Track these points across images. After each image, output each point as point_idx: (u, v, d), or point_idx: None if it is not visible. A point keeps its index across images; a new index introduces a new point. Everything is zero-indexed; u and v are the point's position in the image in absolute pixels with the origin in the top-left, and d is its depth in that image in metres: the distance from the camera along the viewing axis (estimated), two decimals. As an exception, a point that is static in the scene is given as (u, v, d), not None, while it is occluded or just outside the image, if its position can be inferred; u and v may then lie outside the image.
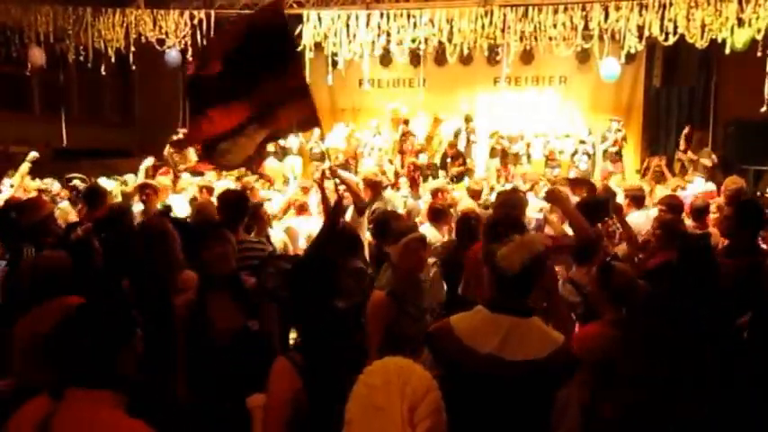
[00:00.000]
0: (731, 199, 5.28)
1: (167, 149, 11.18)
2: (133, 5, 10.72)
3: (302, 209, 6.86)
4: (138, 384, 1.82)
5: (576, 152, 11.75)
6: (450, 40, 10.19)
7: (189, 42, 10.66)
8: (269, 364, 2.14)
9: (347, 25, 10.34)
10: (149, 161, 8.16)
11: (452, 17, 10.04)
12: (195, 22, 10.61)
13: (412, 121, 12.37)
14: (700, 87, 12.08)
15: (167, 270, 3.08)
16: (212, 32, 10.66)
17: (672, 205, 4.89)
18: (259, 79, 4.06)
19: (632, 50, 9.78)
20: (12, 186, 6.94)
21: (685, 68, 11.60)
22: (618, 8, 9.45)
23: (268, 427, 2.05)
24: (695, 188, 5.77)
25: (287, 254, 5.09)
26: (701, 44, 9.19)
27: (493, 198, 6.62)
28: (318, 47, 10.74)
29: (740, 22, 8.82)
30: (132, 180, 7.97)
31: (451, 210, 6.08)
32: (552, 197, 3.96)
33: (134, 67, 11.07)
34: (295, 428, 2.02)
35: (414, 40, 10.36)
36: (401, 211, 6.66)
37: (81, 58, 10.66)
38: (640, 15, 9.29)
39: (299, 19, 10.53)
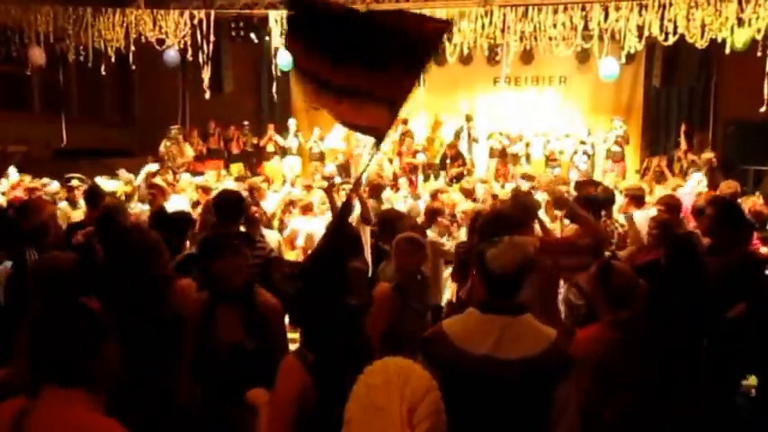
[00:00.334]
0: (712, 199, 5.29)
1: (163, 145, 11.21)
2: (133, 5, 10.72)
3: (307, 209, 6.87)
4: (124, 384, 1.83)
5: (575, 152, 11.75)
6: (450, 40, 10.18)
7: (189, 42, 10.67)
8: (264, 381, 2.12)
9: (347, 25, 10.31)
10: (152, 167, 8.16)
11: (452, 17, 10.04)
12: (195, 22, 10.61)
13: (412, 122, 12.37)
14: (700, 87, 12.07)
15: (155, 285, 3.01)
16: (212, 32, 10.69)
17: (670, 205, 4.89)
18: (373, 65, 3.85)
19: (632, 50, 9.78)
20: (3, 194, 6.91)
21: (685, 68, 11.57)
22: (618, 8, 9.45)
23: (274, 424, 2.04)
24: (692, 183, 5.76)
25: (282, 256, 5.12)
26: (700, 44, 9.19)
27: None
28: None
29: (740, 22, 8.82)
30: (133, 180, 7.99)
31: (447, 211, 6.11)
32: (561, 203, 3.96)
33: (134, 67, 11.08)
34: (301, 426, 2.01)
35: (414, 40, 10.34)
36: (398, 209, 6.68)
37: (81, 57, 10.67)
38: (640, 15, 9.29)
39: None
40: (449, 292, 5.29)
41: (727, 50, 9.18)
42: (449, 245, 5.24)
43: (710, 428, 3.62)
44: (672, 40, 9.23)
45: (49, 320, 1.75)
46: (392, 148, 12.28)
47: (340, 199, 5.37)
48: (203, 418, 2.81)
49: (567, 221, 4.87)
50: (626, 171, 11.66)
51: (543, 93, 13.06)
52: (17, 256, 3.79)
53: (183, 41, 10.68)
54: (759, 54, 8.85)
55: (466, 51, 10.48)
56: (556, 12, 9.72)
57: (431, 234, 5.20)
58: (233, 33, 11.75)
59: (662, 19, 9.14)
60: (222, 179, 9.70)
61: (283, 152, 12.61)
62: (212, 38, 10.74)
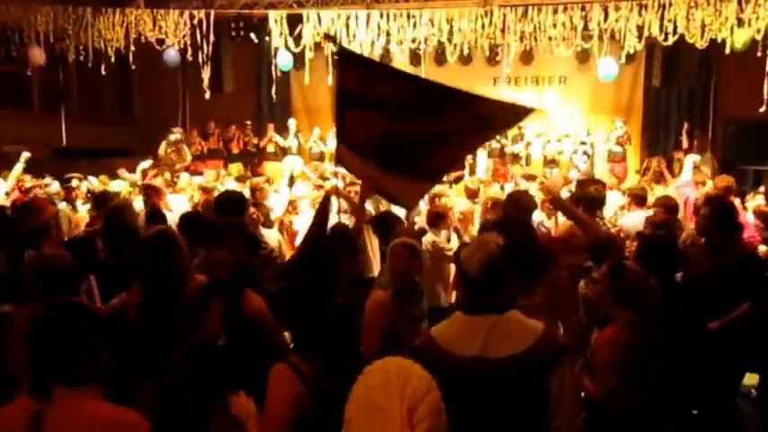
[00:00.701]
0: (708, 199, 5.28)
1: (164, 148, 11.20)
2: (133, 5, 10.72)
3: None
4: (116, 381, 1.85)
5: (575, 152, 11.75)
6: (450, 40, 10.19)
7: (189, 42, 10.67)
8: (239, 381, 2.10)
9: (347, 25, 10.33)
10: (147, 163, 8.16)
11: (452, 17, 10.04)
12: (195, 21, 10.61)
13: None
14: (700, 87, 12.07)
15: (177, 281, 3.01)
16: (212, 32, 10.69)
17: (668, 206, 4.90)
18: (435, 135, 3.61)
19: (632, 50, 9.79)
20: (6, 194, 6.90)
21: (685, 68, 11.58)
22: (617, 8, 9.45)
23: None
24: (688, 169, 5.74)
25: (284, 257, 5.10)
26: (700, 44, 9.19)
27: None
28: (318, 47, 10.74)
29: (740, 22, 8.82)
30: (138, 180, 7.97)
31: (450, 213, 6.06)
32: (555, 204, 3.96)
33: (134, 67, 11.08)
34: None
35: (414, 41, 10.36)
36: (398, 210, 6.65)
37: (81, 57, 10.66)
38: (640, 15, 9.29)
39: (299, 19, 10.53)
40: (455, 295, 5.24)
41: (727, 50, 9.18)
42: (455, 248, 5.15)
43: (711, 428, 3.63)
44: (672, 40, 9.23)
45: (55, 322, 1.75)
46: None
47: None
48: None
49: (561, 219, 4.87)
50: (627, 171, 11.65)
51: (543, 93, 13.05)
52: (15, 256, 3.79)
53: (182, 41, 10.68)
54: (759, 54, 8.85)
55: (466, 51, 10.48)
56: (556, 12, 9.72)
57: (434, 238, 5.15)
58: (233, 33, 11.75)
59: (662, 19, 9.14)
60: (222, 179, 9.70)
61: (283, 152, 12.60)
62: (212, 38, 10.73)
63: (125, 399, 1.92)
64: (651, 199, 5.86)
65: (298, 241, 6.65)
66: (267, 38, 11.18)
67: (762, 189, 8.08)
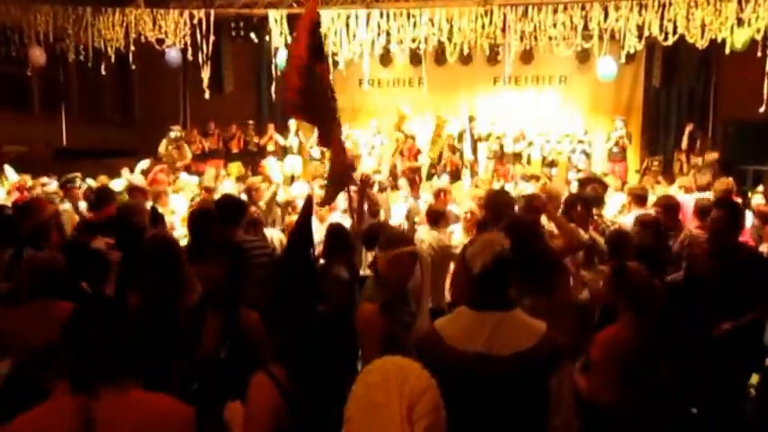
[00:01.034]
0: (719, 201, 5.28)
1: (164, 147, 11.20)
2: (133, 5, 10.72)
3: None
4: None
5: (573, 151, 11.74)
6: (450, 40, 10.19)
7: (189, 42, 10.67)
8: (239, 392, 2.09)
9: (347, 25, 10.34)
10: (145, 163, 8.16)
11: (452, 17, 10.05)
12: (195, 21, 10.61)
13: (414, 123, 12.36)
14: (700, 87, 12.08)
15: (173, 291, 2.97)
16: (212, 32, 10.69)
17: (668, 205, 4.89)
18: None
19: (632, 50, 9.79)
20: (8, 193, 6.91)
21: (685, 68, 11.58)
22: (617, 8, 9.46)
23: None
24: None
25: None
26: (700, 44, 9.19)
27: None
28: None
29: (740, 22, 8.82)
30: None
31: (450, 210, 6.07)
32: (542, 208, 4.01)
33: (134, 67, 11.08)
34: None
35: (414, 40, 10.37)
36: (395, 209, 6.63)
37: (81, 57, 10.66)
38: (640, 15, 9.29)
39: (299, 18, 10.51)
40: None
41: (727, 50, 9.19)
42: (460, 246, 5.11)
43: (711, 429, 3.63)
44: (672, 39, 9.24)
45: (95, 318, 1.78)
46: (393, 150, 12.29)
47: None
48: None
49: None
50: (627, 171, 11.65)
51: (543, 92, 13.06)
52: (14, 255, 3.79)
53: (182, 41, 10.68)
54: (759, 54, 8.85)
55: (466, 51, 10.48)
56: (556, 11, 9.72)
57: (441, 236, 5.07)
58: (233, 33, 11.75)
59: (662, 19, 9.15)
60: (222, 179, 9.70)
61: (284, 152, 12.60)
62: (212, 38, 10.74)
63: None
64: (652, 198, 5.88)
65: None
66: (267, 37, 11.19)
67: (760, 189, 8.08)
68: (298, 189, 8.99)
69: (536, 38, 10.08)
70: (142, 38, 10.58)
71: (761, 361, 4.10)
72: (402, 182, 10.35)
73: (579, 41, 9.91)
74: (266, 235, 5.03)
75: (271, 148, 12.74)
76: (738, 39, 9.01)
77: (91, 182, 7.92)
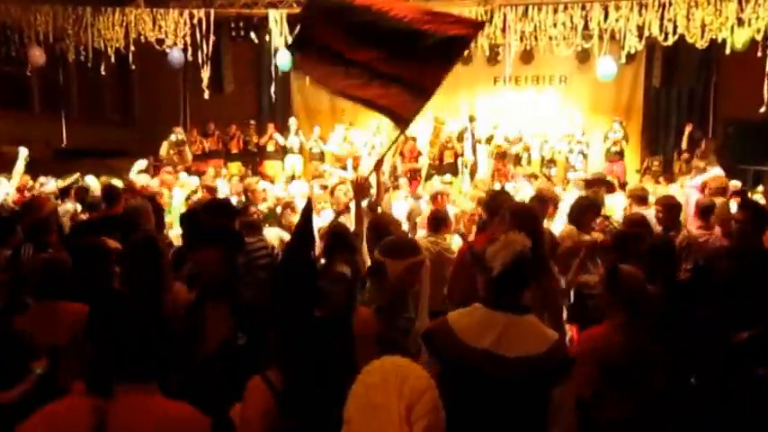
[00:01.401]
0: (743, 202, 5.25)
1: (165, 150, 11.20)
2: (133, 5, 10.71)
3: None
4: None
5: (570, 151, 11.73)
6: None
7: (189, 42, 10.67)
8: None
9: (348, 25, 10.31)
10: (143, 163, 8.16)
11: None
12: (195, 21, 10.61)
13: (413, 123, 12.29)
14: (700, 87, 12.08)
15: (156, 289, 2.98)
16: (212, 32, 10.68)
17: (668, 205, 4.88)
18: (404, 52, 3.75)
19: (632, 50, 9.79)
20: (9, 193, 6.90)
21: (685, 68, 11.59)
22: (618, 8, 9.46)
23: None
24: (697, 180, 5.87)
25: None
26: (700, 44, 9.20)
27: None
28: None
29: (740, 22, 8.83)
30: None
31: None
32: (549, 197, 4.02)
33: (134, 67, 11.08)
34: None
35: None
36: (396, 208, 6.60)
37: (81, 57, 10.66)
38: (640, 15, 9.30)
39: (299, 18, 10.50)
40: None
41: (728, 50, 9.19)
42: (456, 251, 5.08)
43: (711, 429, 3.61)
44: (672, 39, 9.25)
45: (115, 319, 1.78)
46: (393, 150, 12.25)
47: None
48: None
49: (561, 221, 4.89)
50: (626, 171, 11.65)
51: (543, 92, 13.06)
52: (14, 252, 3.80)
53: (182, 41, 10.68)
54: (759, 54, 8.87)
55: (466, 51, 10.45)
56: (556, 11, 9.73)
57: (441, 242, 5.04)
58: (233, 33, 11.75)
59: (662, 19, 9.16)
60: (222, 178, 9.70)
61: (284, 151, 12.60)
62: (212, 38, 10.74)
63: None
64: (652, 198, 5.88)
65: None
66: (267, 37, 11.18)
67: (760, 189, 8.08)
68: (298, 189, 8.96)
69: (536, 38, 10.09)
70: (142, 38, 10.57)
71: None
72: (402, 182, 10.34)
73: (579, 41, 9.92)
74: (265, 236, 5.00)
75: (271, 148, 12.74)
76: (738, 39, 9.01)
77: (91, 181, 7.91)
